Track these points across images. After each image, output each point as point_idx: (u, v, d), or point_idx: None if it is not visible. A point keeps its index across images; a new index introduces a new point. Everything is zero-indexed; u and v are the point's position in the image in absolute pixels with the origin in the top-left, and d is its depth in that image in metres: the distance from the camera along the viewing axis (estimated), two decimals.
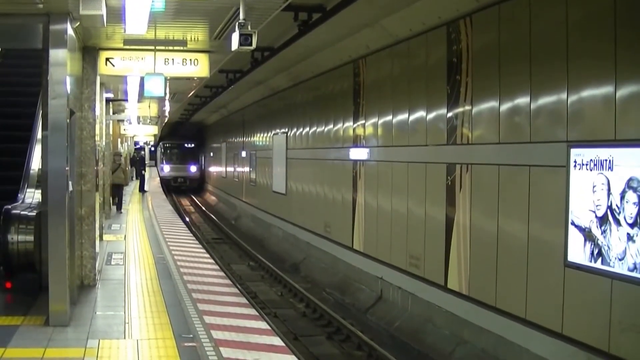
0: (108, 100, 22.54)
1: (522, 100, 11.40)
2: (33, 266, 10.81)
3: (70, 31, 9.82)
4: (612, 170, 9.34)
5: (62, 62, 9.57)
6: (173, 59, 13.52)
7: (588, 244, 9.81)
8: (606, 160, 9.42)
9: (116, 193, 27.59)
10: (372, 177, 17.93)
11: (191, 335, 9.23)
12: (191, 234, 20.85)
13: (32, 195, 12.70)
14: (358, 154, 18.82)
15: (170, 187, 56.49)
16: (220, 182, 49.97)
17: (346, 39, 17.61)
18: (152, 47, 12.78)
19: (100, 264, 14.12)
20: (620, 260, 9.23)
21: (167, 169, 59.50)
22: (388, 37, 15.95)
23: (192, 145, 61.24)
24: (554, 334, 10.49)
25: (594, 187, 9.66)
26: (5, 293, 11.09)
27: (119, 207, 27.76)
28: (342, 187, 20.27)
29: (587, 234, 9.82)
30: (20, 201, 12.33)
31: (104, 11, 9.30)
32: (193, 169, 59.95)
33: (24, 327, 9.36)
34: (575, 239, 10.04)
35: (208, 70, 13.88)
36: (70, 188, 10.10)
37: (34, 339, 8.83)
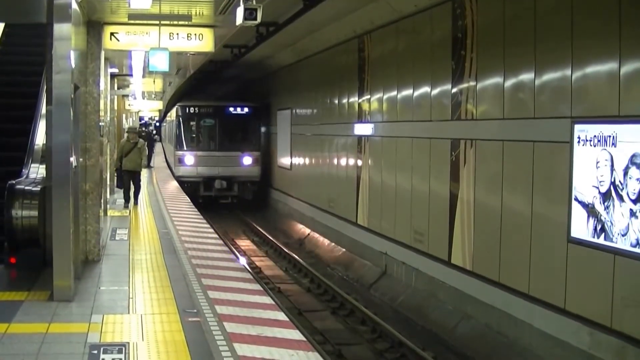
0: (113, 75, 22.50)
1: (527, 76, 11.36)
2: (37, 241, 10.82)
3: (74, 5, 9.77)
4: (615, 146, 9.33)
5: (66, 36, 9.52)
6: (178, 34, 13.49)
7: (591, 220, 9.82)
8: (610, 136, 9.41)
9: (129, 182, 20.71)
10: (377, 152, 17.92)
11: (195, 310, 9.25)
12: (195, 209, 20.83)
13: (37, 171, 12.69)
14: (362, 129, 18.80)
15: (198, 198, 28.88)
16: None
17: (351, 15, 17.53)
18: (157, 22, 12.74)
19: (105, 239, 14.14)
20: (623, 236, 9.24)
21: (190, 161, 30.33)
22: (393, 12, 15.88)
23: (247, 110, 31.49)
24: (557, 310, 10.52)
25: (597, 163, 9.65)
26: (10, 268, 11.11)
27: (135, 199, 20.98)
28: (346, 162, 20.27)
29: (591, 210, 9.82)
30: (25, 176, 12.34)
31: None
32: (247, 160, 30.50)
33: (28, 303, 9.38)
34: (578, 214, 10.05)
35: (213, 45, 13.84)
36: (75, 163, 10.10)
37: (38, 314, 8.85)
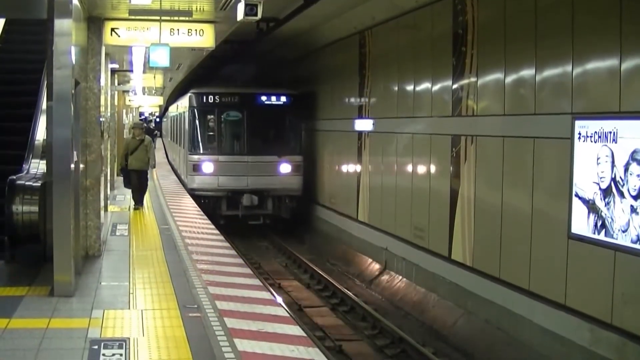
0: (113, 71, 22.47)
1: (527, 72, 11.36)
2: (38, 237, 10.81)
3: (75, 1, 9.76)
4: (616, 142, 9.32)
5: (67, 32, 9.50)
6: (178, 30, 13.46)
7: (592, 216, 9.82)
8: (610, 132, 9.40)
9: (137, 181, 18.80)
10: (377, 148, 17.91)
11: (195, 306, 9.24)
12: (196, 205, 20.80)
13: (37, 166, 12.69)
14: (363, 125, 18.79)
15: (219, 218, 22.29)
16: None
17: (352, 10, 17.53)
18: (158, 18, 12.73)
19: (105, 235, 14.13)
20: (623, 232, 9.23)
21: (209, 168, 23.16)
22: (394, 8, 15.88)
23: (285, 100, 24.02)
24: (558, 306, 10.52)
25: (598, 159, 9.64)
26: (10, 263, 11.11)
27: (140, 200, 18.87)
28: (347, 158, 20.26)
29: (591, 206, 9.82)
30: (25, 172, 12.33)
31: None
32: (286, 168, 23.34)
33: (29, 298, 9.37)
34: (579, 210, 10.05)
35: (213, 40, 13.82)
36: (75, 158, 10.10)
37: (38, 310, 8.84)
